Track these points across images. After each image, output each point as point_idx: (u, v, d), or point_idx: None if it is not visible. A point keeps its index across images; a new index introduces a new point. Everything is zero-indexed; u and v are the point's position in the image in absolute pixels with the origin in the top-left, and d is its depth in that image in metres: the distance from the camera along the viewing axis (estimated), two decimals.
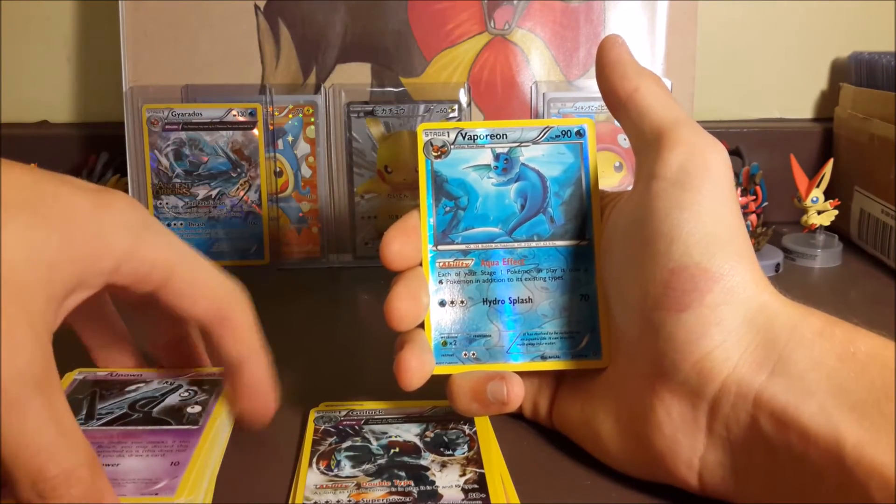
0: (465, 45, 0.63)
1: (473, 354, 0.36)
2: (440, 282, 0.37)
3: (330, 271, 0.60)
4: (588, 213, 0.37)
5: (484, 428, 0.37)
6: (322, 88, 0.62)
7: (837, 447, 0.26)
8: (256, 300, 0.36)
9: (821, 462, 0.27)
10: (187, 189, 0.60)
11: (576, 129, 0.38)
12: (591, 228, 0.37)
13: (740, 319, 0.30)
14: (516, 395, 0.35)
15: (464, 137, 0.37)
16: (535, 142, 0.37)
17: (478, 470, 0.34)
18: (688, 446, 0.31)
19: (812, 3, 0.72)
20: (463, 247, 0.37)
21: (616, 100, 0.35)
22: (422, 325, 0.36)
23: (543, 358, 0.36)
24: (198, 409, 0.36)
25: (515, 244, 0.37)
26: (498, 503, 0.31)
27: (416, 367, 0.34)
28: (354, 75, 0.62)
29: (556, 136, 0.37)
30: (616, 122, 0.61)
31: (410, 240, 0.36)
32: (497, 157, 0.37)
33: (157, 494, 0.31)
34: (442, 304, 0.37)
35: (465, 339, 0.36)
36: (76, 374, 0.39)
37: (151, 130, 0.60)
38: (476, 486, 0.32)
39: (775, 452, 0.28)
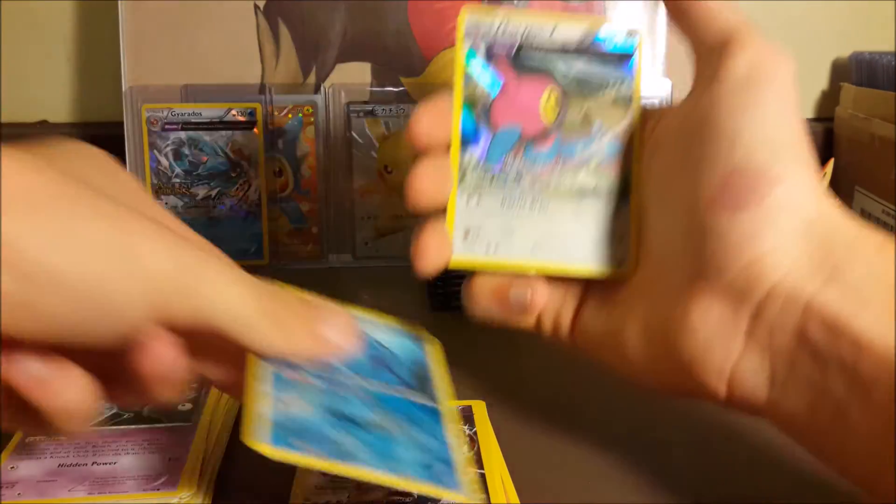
0: None
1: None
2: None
3: (330, 271, 0.60)
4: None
5: (484, 428, 0.37)
6: (322, 88, 0.62)
7: (893, 357, 0.25)
8: None
9: (872, 373, 0.26)
10: (187, 189, 0.60)
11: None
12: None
13: (797, 224, 0.29)
14: (539, 301, 0.34)
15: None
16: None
17: (478, 470, 0.33)
18: (721, 352, 0.29)
19: (812, 3, 0.72)
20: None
21: (679, 2, 0.33)
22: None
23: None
24: (188, 406, 0.37)
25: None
26: (498, 503, 0.31)
27: (435, 249, 0.33)
28: (354, 75, 0.62)
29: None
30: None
31: (441, 123, 0.34)
32: None
33: (158, 490, 0.31)
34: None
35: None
36: None
37: (151, 130, 0.60)
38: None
39: (823, 362, 0.27)
